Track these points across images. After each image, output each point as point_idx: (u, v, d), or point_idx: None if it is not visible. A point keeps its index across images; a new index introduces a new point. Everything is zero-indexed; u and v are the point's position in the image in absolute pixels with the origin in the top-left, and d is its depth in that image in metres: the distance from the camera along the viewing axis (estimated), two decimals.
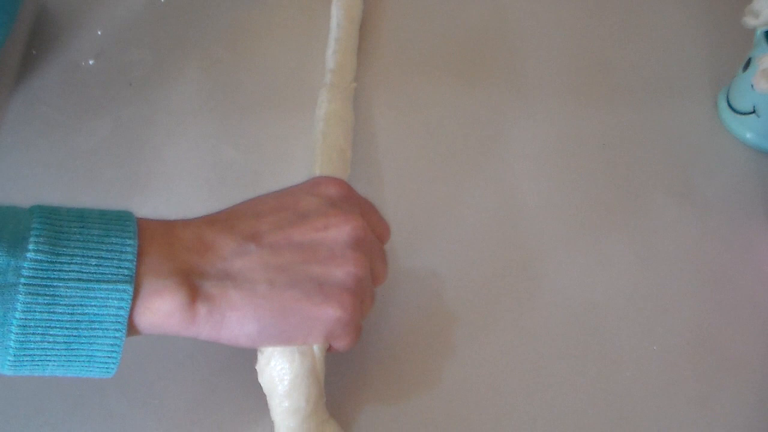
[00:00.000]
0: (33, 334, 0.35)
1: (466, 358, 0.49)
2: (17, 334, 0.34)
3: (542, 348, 0.50)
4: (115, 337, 0.36)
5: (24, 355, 0.35)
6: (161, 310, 0.37)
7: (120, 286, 0.35)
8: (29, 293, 0.34)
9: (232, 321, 0.38)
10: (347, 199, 0.43)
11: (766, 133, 0.62)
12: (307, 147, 0.57)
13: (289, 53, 0.65)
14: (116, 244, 0.36)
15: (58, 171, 0.56)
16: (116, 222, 0.37)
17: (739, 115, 0.63)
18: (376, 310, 0.50)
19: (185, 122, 0.60)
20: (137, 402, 0.46)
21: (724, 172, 0.61)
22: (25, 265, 0.34)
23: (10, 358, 0.35)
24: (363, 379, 0.47)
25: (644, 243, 0.56)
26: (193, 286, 0.37)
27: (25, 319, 0.34)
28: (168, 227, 0.39)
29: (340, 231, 0.40)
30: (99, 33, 0.65)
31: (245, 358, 0.42)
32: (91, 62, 0.63)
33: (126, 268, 0.36)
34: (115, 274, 0.35)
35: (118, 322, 0.36)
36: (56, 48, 0.63)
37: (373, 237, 0.43)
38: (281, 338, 0.39)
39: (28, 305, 0.34)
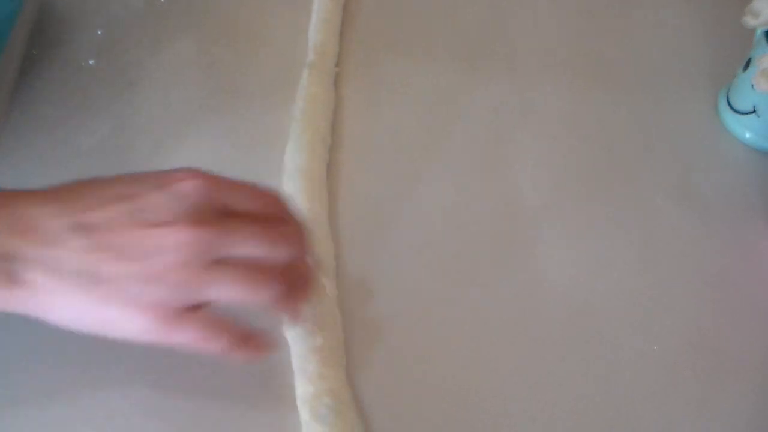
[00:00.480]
0: None
1: (465, 358, 0.49)
2: None
3: (542, 348, 0.50)
4: None
5: None
6: None
7: None
8: None
9: (44, 306, 0.38)
10: (198, 204, 0.39)
11: (766, 133, 0.62)
12: None
13: (290, 53, 0.65)
14: None
15: (58, 171, 0.56)
16: None
17: (739, 115, 0.63)
18: (376, 309, 0.50)
19: (185, 122, 0.60)
20: (137, 401, 0.46)
21: (724, 172, 0.61)
22: None
23: None
24: (362, 379, 0.47)
25: (644, 243, 0.56)
26: (7, 268, 0.36)
27: None
28: None
29: (173, 237, 0.38)
30: (99, 33, 0.65)
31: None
32: (91, 62, 0.63)
33: None
34: None
35: None
36: (56, 48, 0.63)
37: (217, 241, 0.39)
38: (98, 327, 0.39)
39: None
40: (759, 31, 0.61)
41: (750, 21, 0.60)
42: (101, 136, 0.58)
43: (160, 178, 0.39)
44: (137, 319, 0.38)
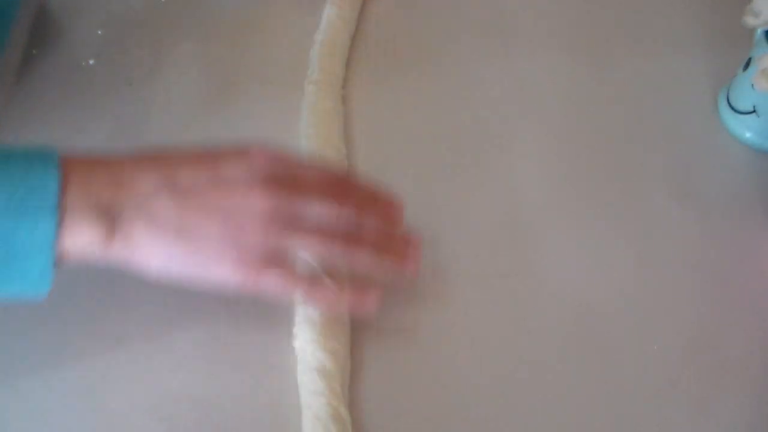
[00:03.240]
0: None
1: (465, 357, 0.49)
2: None
3: (542, 347, 0.50)
4: (45, 260, 0.39)
5: None
6: (80, 241, 0.40)
7: (45, 215, 0.38)
8: None
9: (142, 256, 0.41)
10: (272, 174, 0.44)
11: (766, 133, 0.62)
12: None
13: (290, 52, 0.65)
14: (40, 178, 0.39)
15: None
16: (39, 158, 0.40)
17: (739, 115, 0.63)
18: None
19: (185, 122, 0.60)
20: (137, 401, 0.46)
21: (724, 171, 0.61)
22: None
23: None
24: (361, 378, 0.47)
25: (644, 242, 0.56)
26: (110, 220, 0.40)
27: None
28: (90, 164, 0.41)
29: (252, 200, 0.42)
30: (99, 33, 0.65)
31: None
32: (91, 62, 0.63)
33: (49, 198, 0.39)
34: (40, 206, 0.38)
35: (46, 247, 0.39)
36: (56, 48, 0.63)
37: (291, 207, 0.43)
38: (182, 277, 0.43)
39: None
40: (759, 31, 0.61)
41: (750, 21, 0.60)
42: (101, 136, 0.58)
43: (236, 150, 0.44)
44: (225, 271, 0.42)
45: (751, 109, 0.61)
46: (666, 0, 0.74)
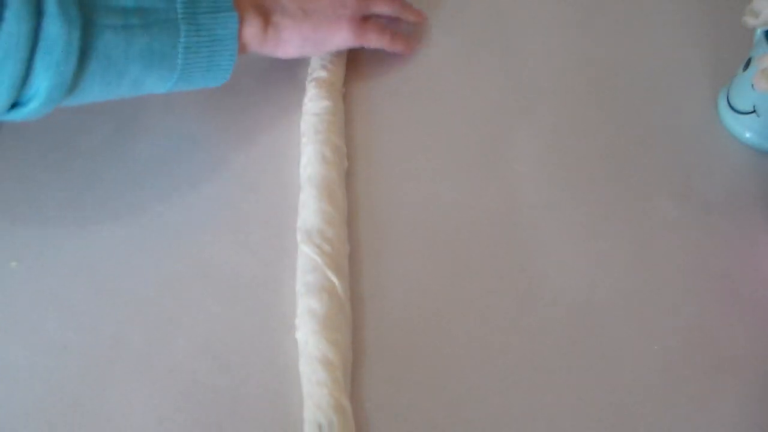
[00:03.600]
0: (190, 52, 0.50)
1: (464, 358, 0.49)
2: (183, 54, 0.50)
3: (542, 348, 0.50)
4: (233, 49, 0.53)
5: (185, 70, 0.51)
6: (248, 32, 0.55)
7: (231, 13, 0.52)
8: (185, 23, 0.50)
9: (286, 38, 0.57)
10: None
11: (766, 133, 0.62)
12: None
13: None
14: None
15: (58, 171, 0.56)
16: None
17: (739, 115, 0.63)
18: (375, 308, 0.50)
19: (185, 122, 0.60)
20: (136, 402, 0.46)
21: (724, 171, 0.61)
22: (177, 5, 0.50)
23: (176, 74, 0.51)
24: (361, 377, 0.47)
25: (644, 242, 0.56)
26: (264, 15, 0.56)
27: (187, 42, 0.50)
28: None
29: None
30: None
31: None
32: None
33: (229, 2, 0.52)
34: (226, 6, 0.52)
35: (234, 38, 0.53)
36: None
37: None
38: (314, 48, 0.59)
39: (187, 32, 0.50)
40: (759, 31, 0.61)
41: (750, 21, 0.60)
42: (101, 136, 0.58)
43: None
44: (341, 29, 0.59)
45: (751, 109, 0.62)
46: (666, 1, 0.74)
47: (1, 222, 0.52)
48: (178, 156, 0.58)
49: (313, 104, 0.59)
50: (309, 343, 0.47)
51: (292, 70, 0.63)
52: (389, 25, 0.65)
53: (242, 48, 0.55)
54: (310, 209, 0.53)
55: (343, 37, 0.60)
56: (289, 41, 0.57)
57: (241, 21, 0.53)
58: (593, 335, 0.51)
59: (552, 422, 0.47)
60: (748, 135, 0.63)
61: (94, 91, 0.48)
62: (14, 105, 0.46)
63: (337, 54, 0.64)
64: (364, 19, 0.62)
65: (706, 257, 0.55)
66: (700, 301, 0.53)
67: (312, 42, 0.58)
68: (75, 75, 0.46)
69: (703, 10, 0.73)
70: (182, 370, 0.47)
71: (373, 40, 0.62)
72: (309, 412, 0.45)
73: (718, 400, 0.48)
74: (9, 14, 0.43)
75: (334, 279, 0.49)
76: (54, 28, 0.44)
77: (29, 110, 0.47)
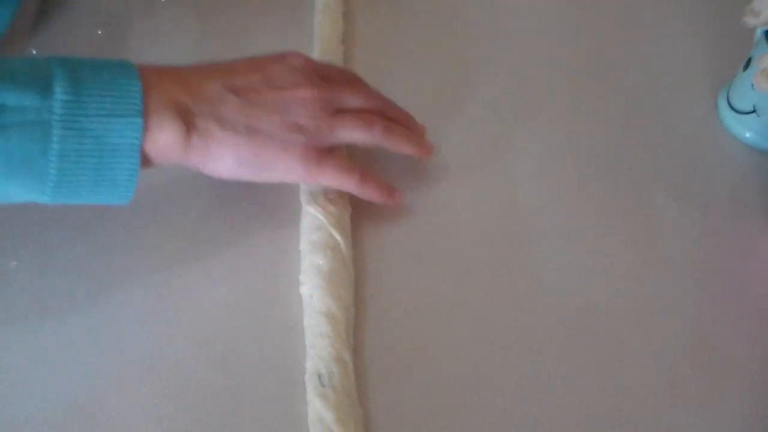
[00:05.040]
0: (68, 161, 0.41)
1: (465, 358, 0.49)
2: (56, 162, 0.41)
3: (542, 348, 0.50)
4: (132, 163, 0.43)
5: (62, 181, 0.42)
6: (162, 141, 0.44)
7: (133, 119, 0.42)
8: (63, 127, 0.41)
9: (216, 154, 0.46)
10: (311, 71, 0.51)
11: (766, 133, 0.62)
12: None
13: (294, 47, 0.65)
14: (124, 85, 0.43)
15: None
16: (120, 68, 0.44)
17: (739, 115, 0.63)
18: (375, 308, 0.50)
19: None
20: (136, 403, 0.46)
21: (724, 171, 0.61)
22: (55, 104, 0.41)
23: (51, 185, 0.42)
24: (362, 378, 0.47)
25: (644, 242, 0.56)
26: (187, 122, 0.45)
27: (62, 149, 0.41)
28: (162, 73, 0.45)
29: (299, 93, 0.49)
30: (99, 33, 0.65)
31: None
32: None
33: (135, 104, 0.42)
34: (128, 110, 0.42)
35: (134, 149, 0.43)
36: (56, 47, 0.63)
37: (331, 96, 0.50)
38: (252, 174, 0.48)
39: (63, 137, 0.41)
40: (759, 31, 0.61)
41: (750, 21, 0.60)
42: None
43: (273, 57, 0.51)
44: (290, 160, 0.48)
45: (751, 109, 0.62)
46: (666, 1, 0.74)
47: (1, 222, 0.52)
48: None
49: None
50: (314, 297, 0.48)
51: None
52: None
53: (149, 160, 0.45)
54: None
55: (290, 170, 0.48)
56: (219, 158, 0.46)
57: (148, 126, 0.43)
58: (594, 335, 0.51)
59: (552, 422, 0.47)
60: (748, 135, 0.63)
61: None
62: None
63: (334, 57, 0.63)
64: (326, 151, 0.50)
65: (706, 257, 0.55)
66: (700, 301, 0.53)
67: (250, 167, 0.47)
68: None
69: (703, 10, 0.73)
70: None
71: (335, 181, 0.51)
72: (311, 361, 0.46)
73: (718, 400, 0.48)
74: None
75: (338, 237, 0.51)
76: None
77: None
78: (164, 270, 0.51)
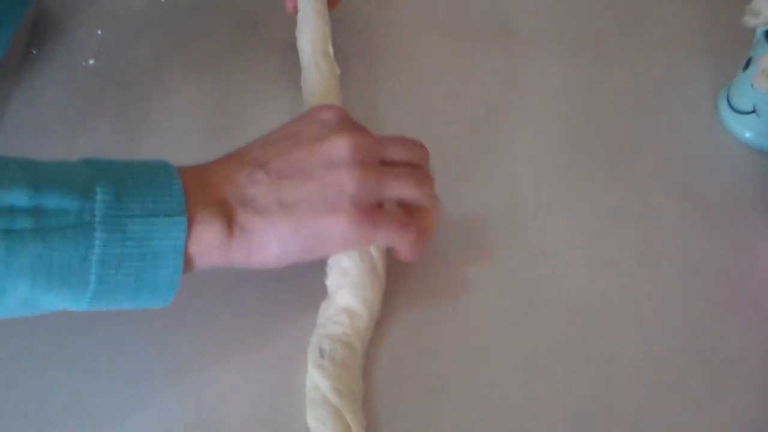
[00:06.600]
0: (109, 267, 0.38)
1: (465, 358, 0.49)
2: (97, 268, 0.38)
3: (542, 347, 0.50)
4: (175, 266, 0.40)
5: (101, 288, 0.39)
6: (206, 239, 0.41)
7: (177, 219, 0.40)
8: (105, 230, 0.38)
9: (259, 244, 0.42)
10: (343, 120, 0.46)
11: (766, 133, 0.62)
12: None
13: (292, 50, 0.65)
14: (165, 184, 0.40)
15: None
16: (159, 168, 0.42)
17: (739, 115, 0.63)
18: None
19: (185, 122, 0.60)
20: (136, 406, 0.46)
21: (724, 171, 0.61)
22: (96, 206, 0.38)
23: (90, 294, 0.39)
24: (370, 369, 0.48)
25: (644, 242, 0.56)
26: (227, 215, 0.42)
27: (103, 254, 0.38)
28: (195, 170, 0.43)
29: (334, 147, 0.44)
30: (99, 33, 0.65)
31: None
32: (91, 62, 0.63)
33: (177, 203, 0.40)
34: (170, 209, 0.40)
35: (178, 251, 0.40)
36: (56, 48, 0.63)
37: (372, 140, 0.46)
38: (302, 253, 0.44)
39: (104, 241, 0.38)
40: (759, 31, 0.61)
41: (750, 21, 0.60)
42: (101, 136, 0.58)
43: (302, 118, 0.47)
44: (339, 227, 0.43)
45: (751, 109, 0.62)
46: (666, 1, 0.74)
47: None
48: (178, 156, 0.57)
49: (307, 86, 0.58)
50: (338, 293, 0.47)
51: (293, 70, 0.63)
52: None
53: (191, 262, 0.41)
54: None
55: (343, 239, 0.44)
56: (263, 248, 0.43)
57: (192, 225, 0.40)
58: (593, 334, 0.51)
59: (552, 421, 0.47)
60: (748, 135, 0.63)
61: None
62: None
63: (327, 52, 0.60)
64: (377, 206, 0.45)
65: (706, 257, 0.55)
66: (700, 301, 0.53)
67: (297, 247, 0.43)
68: None
69: (703, 10, 0.73)
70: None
71: (392, 239, 0.46)
72: (316, 336, 0.46)
73: (718, 400, 0.48)
74: None
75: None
76: None
77: None
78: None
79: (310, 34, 0.60)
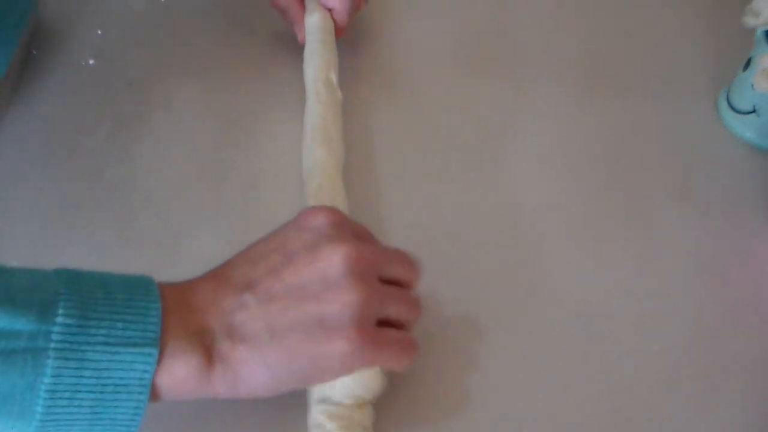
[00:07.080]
0: (60, 398, 0.34)
1: (466, 358, 0.49)
2: (45, 399, 0.34)
3: (542, 348, 0.50)
4: (138, 400, 0.36)
5: (49, 420, 0.34)
6: (178, 372, 0.36)
7: (146, 350, 0.35)
8: (59, 357, 0.34)
9: (246, 375, 0.38)
10: (337, 226, 0.41)
11: (766, 133, 0.62)
12: None
13: (290, 51, 0.65)
14: (141, 308, 0.36)
15: (58, 171, 0.56)
16: (139, 286, 0.37)
17: (739, 115, 0.63)
18: None
19: (185, 122, 0.60)
20: None
21: (724, 171, 0.61)
22: (54, 330, 0.34)
23: (36, 424, 0.34)
24: None
25: (644, 243, 0.56)
26: (206, 346, 0.37)
27: (54, 384, 0.34)
28: (179, 290, 0.39)
29: (329, 262, 0.39)
30: (99, 33, 0.65)
31: None
32: (91, 62, 0.63)
33: (151, 331, 0.36)
34: (141, 338, 0.35)
35: (143, 385, 0.35)
36: (56, 48, 0.63)
37: (371, 252, 0.41)
38: (296, 381, 0.39)
39: (58, 370, 0.34)
40: (759, 31, 0.61)
41: (750, 21, 0.60)
42: (101, 136, 0.58)
43: (292, 225, 0.42)
44: (336, 352, 0.38)
45: (751, 109, 0.62)
46: (666, 1, 0.74)
47: (2, 222, 0.52)
48: (178, 156, 0.58)
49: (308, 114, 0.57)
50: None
51: (298, 63, 0.63)
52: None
53: (158, 394, 0.37)
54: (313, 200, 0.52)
55: (342, 364, 0.39)
56: (251, 380, 0.38)
57: (163, 357, 0.36)
58: (593, 334, 0.51)
59: (552, 421, 0.47)
60: (748, 135, 0.63)
61: None
62: None
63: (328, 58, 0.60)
64: (376, 327, 0.40)
65: (706, 256, 0.55)
66: (700, 301, 0.53)
67: (289, 377, 0.38)
68: None
69: (703, 10, 0.73)
70: None
71: (393, 363, 0.41)
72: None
73: (719, 401, 0.48)
74: None
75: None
76: None
77: None
78: None
79: (314, 64, 0.59)
